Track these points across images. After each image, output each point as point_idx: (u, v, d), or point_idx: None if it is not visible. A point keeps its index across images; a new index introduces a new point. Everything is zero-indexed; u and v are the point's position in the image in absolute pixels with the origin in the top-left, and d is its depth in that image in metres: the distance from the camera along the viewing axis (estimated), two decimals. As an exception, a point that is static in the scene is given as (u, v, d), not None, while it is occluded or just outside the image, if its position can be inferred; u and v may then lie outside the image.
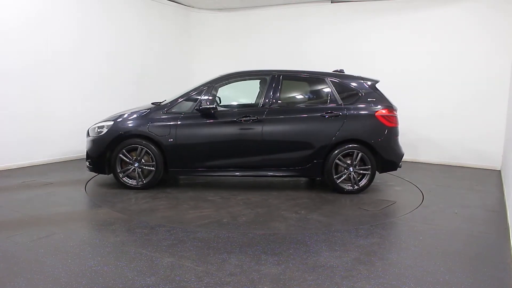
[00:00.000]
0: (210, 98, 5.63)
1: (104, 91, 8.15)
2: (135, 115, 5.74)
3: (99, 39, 7.96)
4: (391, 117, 5.64)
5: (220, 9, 10.12)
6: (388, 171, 5.88)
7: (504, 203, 5.39)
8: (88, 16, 7.72)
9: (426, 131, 8.27)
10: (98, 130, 5.70)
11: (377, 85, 5.84)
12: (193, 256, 3.44)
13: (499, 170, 7.65)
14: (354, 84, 5.78)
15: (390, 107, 5.67)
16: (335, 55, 8.85)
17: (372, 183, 5.74)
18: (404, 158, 5.91)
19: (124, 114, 5.82)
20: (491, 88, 7.73)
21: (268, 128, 5.55)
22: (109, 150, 5.59)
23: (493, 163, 7.79)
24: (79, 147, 7.71)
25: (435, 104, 8.17)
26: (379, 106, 5.64)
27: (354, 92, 5.75)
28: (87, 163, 5.77)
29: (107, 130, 5.62)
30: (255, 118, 5.53)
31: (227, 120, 5.60)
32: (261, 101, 5.70)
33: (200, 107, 5.53)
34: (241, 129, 5.56)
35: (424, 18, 8.22)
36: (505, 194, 5.77)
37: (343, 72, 6.04)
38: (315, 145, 5.55)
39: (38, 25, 6.89)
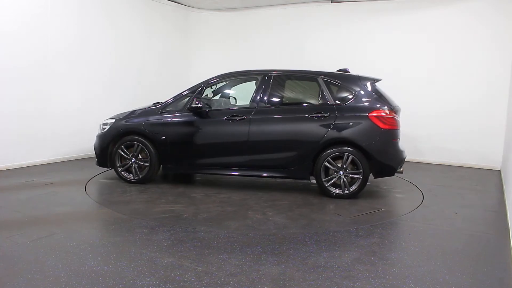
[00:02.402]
0: (200, 97, 5.75)
1: (104, 91, 8.15)
2: (134, 114, 6.08)
3: (99, 39, 7.95)
4: (387, 119, 5.26)
5: (220, 9, 10.12)
6: (383, 176, 5.55)
7: (504, 203, 5.39)
8: (88, 16, 7.72)
9: (426, 131, 8.27)
10: (103, 127, 6.13)
11: (377, 85, 5.61)
12: (193, 256, 3.44)
13: (499, 170, 7.65)
14: (348, 83, 5.52)
15: (386, 108, 5.32)
16: (335, 55, 8.85)
17: (374, 185, 5.69)
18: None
19: (126, 112, 6.17)
20: (491, 88, 7.73)
21: (254, 128, 5.52)
22: (110, 146, 5.96)
23: (493, 163, 7.79)
24: (79, 147, 7.75)
25: (435, 104, 8.17)
26: (373, 107, 5.31)
27: (348, 91, 5.48)
28: (96, 158, 6.19)
29: (109, 127, 6.02)
30: (242, 117, 5.54)
31: (215, 120, 5.69)
32: (251, 101, 5.72)
33: (191, 106, 5.68)
34: (229, 128, 5.60)
35: (424, 18, 8.22)
36: (505, 194, 5.77)
37: (348, 71, 5.91)
38: (302, 146, 5.38)
39: (38, 25, 6.88)
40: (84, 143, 7.78)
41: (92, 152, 7.69)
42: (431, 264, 3.39)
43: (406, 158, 5.68)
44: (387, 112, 5.30)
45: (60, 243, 3.65)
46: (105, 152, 5.98)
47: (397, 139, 5.38)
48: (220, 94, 6.46)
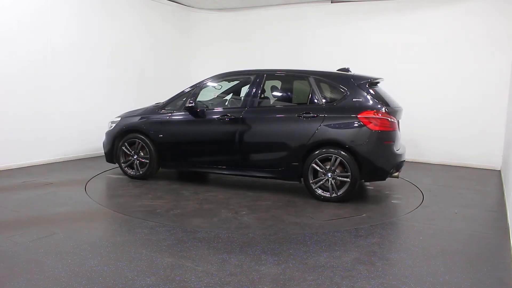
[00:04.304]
0: (194, 97, 5.86)
1: (104, 91, 8.15)
2: (137, 112, 6.34)
3: (99, 39, 7.95)
4: (378, 120, 4.99)
5: (220, 9, 10.12)
6: (374, 180, 5.38)
7: (504, 203, 5.39)
8: (88, 16, 7.71)
9: (426, 130, 8.26)
10: (111, 125, 6.43)
11: (374, 84, 5.41)
12: (193, 256, 3.44)
13: (499, 170, 7.65)
14: (340, 83, 5.33)
15: (378, 109, 5.06)
16: (335, 54, 8.84)
17: (376, 190, 5.62)
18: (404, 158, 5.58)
19: (132, 111, 6.48)
20: (491, 88, 7.72)
21: (243, 128, 5.54)
22: (116, 143, 6.24)
23: (493, 163, 7.78)
24: (79, 147, 7.74)
25: (435, 104, 8.16)
26: (364, 107, 5.07)
27: (339, 91, 5.29)
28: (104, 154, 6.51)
29: (115, 125, 6.33)
30: (233, 117, 5.57)
31: (207, 119, 5.78)
32: (243, 100, 5.76)
33: (185, 106, 5.83)
34: (220, 128, 5.66)
35: (424, 18, 8.22)
36: (505, 194, 5.77)
37: (349, 71, 5.81)
38: (290, 147, 5.28)
39: (38, 25, 6.88)
40: (84, 143, 7.79)
41: (92, 152, 7.87)
42: (431, 264, 3.39)
43: (406, 159, 5.52)
44: (379, 113, 5.05)
45: (60, 243, 3.65)
46: (112, 148, 6.25)
47: (391, 141, 5.11)
48: (216, 94, 6.53)
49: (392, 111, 5.23)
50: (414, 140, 8.20)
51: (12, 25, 6.54)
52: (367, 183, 6.15)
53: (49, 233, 3.89)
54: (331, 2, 9.01)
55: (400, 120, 5.71)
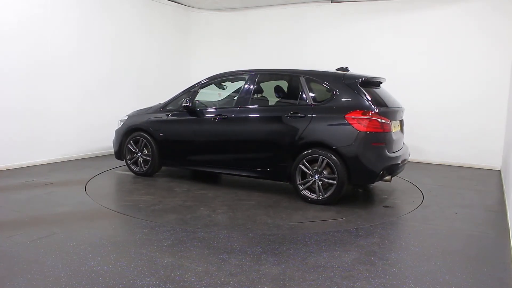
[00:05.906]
0: (191, 97, 5.98)
1: (104, 91, 8.14)
2: (143, 111, 6.51)
3: (99, 39, 7.95)
4: (366, 121, 4.79)
5: (220, 9, 10.12)
6: (362, 183, 5.33)
7: (504, 203, 5.39)
8: (88, 16, 7.71)
9: (426, 131, 8.26)
10: (120, 123, 6.65)
11: (368, 83, 5.23)
12: (193, 256, 3.44)
13: (499, 170, 7.65)
14: (330, 82, 5.17)
15: (366, 109, 4.86)
16: (335, 55, 8.84)
17: (376, 193, 5.60)
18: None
19: (138, 110, 6.68)
20: (491, 88, 7.72)
21: (234, 127, 5.58)
22: (123, 141, 6.45)
23: (493, 163, 7.78)
24: (79, 147, 7.74)
25: (435, 104, 8.16)
26: (352, 108, 4.90)
27: (329, 91, 5.15)
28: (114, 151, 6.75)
29: (122, 123, 6.56)
30: (224, 117, 5.62)
31: (201, 118, 5.88)
32: (236, 100, 5.80)
33: (183, 105, 5.95)
34: (213, 127, 5.73)
35: (424, 18, 8.21)
36: (505, 194, 5.77)
37: (348, 70, 5.71)
38: (278, 147, 5.23)
39: (38, 25, 6.88)
40: (84, 143, 7.79)
41: (92, 152, 7.92)
42: (431, 264, 3.39)
43: (403, 162, 5.33)
44: (368, 113, 4.84)
45: (60, 243, 3.65)
46: (120, 146, 6.47)
47: (381, 143, 4.88)
48: (213, 94, 6.59)
49: (388, 111, 5.07)
50: (414, 140, 8.19)
51: (12, 25, 6.53)
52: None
53: (49, 233, 3.89)
54: (331, 2, 9.01)
55: (403, 121, 5.71)
